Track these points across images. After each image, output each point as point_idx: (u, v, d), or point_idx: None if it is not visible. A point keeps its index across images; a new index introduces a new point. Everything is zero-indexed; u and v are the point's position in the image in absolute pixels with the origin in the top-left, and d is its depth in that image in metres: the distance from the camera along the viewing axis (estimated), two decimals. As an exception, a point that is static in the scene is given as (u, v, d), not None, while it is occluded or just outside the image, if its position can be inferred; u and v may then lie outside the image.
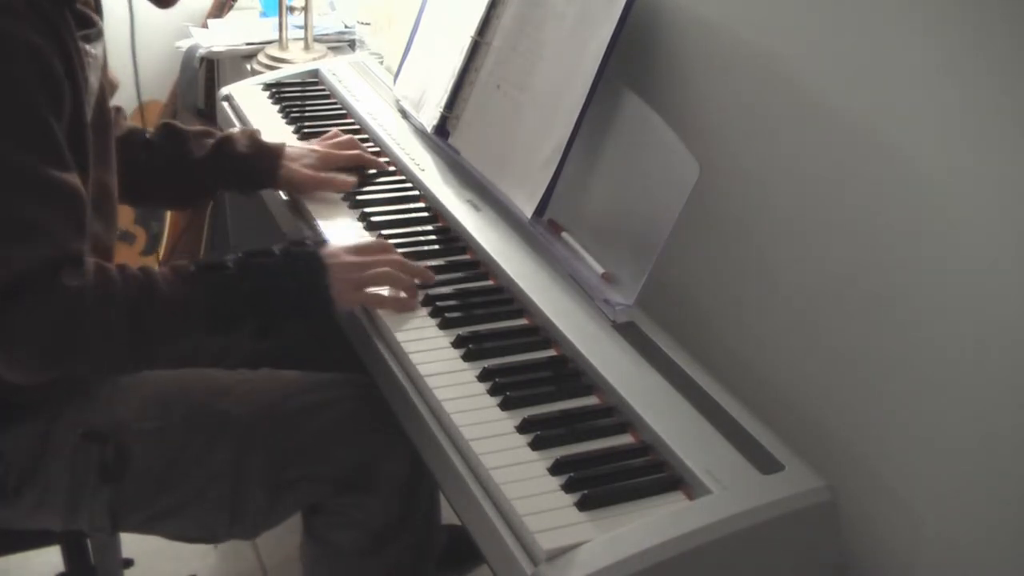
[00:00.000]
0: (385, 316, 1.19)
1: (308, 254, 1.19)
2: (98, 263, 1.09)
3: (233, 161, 1.45)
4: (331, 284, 1.17)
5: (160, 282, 1.10)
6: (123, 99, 2.41)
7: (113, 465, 1.17)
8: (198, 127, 1.49)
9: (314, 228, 1.40)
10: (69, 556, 1.39)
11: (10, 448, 1.17)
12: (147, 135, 1.45)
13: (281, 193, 1.49)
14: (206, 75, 2.31)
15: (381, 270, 1.21)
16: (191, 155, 1.44)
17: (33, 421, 1.17)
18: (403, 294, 1.21)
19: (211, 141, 1.46)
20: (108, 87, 1.26)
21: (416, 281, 1.23)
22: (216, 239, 2.34)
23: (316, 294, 1.17)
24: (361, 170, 1.52)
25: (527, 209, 1.31)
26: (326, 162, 1.49)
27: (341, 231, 1.37)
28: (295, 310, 1.17)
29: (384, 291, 1.21)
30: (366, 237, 1.36)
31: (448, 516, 1.27)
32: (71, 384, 1.20)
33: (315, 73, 1.86)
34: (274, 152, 1.47)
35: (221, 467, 1.20)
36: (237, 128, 1.61)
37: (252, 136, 1.49)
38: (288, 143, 1.51)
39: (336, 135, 1.55)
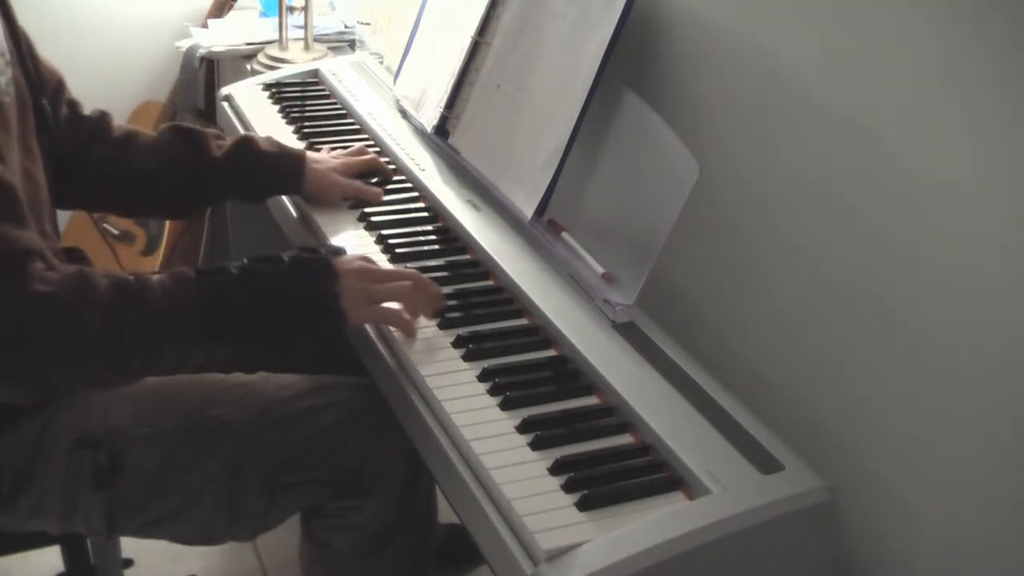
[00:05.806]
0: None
1: (318, 261, 1.11)
2: (80, 268, 1.02)
3: (258, 159, 1.38)
4: (342, 293, 1.09)
5: (154, 289, 1.03)
6: (122, 99, 2.43)
7: (107, 471, 1.16)
8: (210, 128, 1.42)
9: (317, 232, 1.38)
10: (69, 556, 1.39)
11: (3, 454, 1.16)
12: (155, 139, 1.37)
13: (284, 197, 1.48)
14: (206, 75, 2.32)
15: (401, 283, 1.15)
16: (211, 155, 1.36)
17: (26, 427, 1.16)
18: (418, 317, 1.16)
19: (227, 141, 1.39)
20: (32, 75, 1.19)
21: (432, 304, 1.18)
22: (216, 240, 2.34)
23: (325, 304, 1.09)
24: (378, 178, 1.50)
25: (527, 209, 1.31)
26: (348, 168, 1.46)
27: (340, 231, 1.37)
28: (301, 322, 1.11)
29: (398, 309, 1.15)
30: (366, 238, 1.36)
31: (448, 515, 1.27)
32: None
33: (315, 73, 1.86)
34: (298, 155, 1.42)
35: (217, 471, 1.18)
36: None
37: (271, 139, 1.43)
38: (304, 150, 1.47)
39: (347, 147, 1.53)
